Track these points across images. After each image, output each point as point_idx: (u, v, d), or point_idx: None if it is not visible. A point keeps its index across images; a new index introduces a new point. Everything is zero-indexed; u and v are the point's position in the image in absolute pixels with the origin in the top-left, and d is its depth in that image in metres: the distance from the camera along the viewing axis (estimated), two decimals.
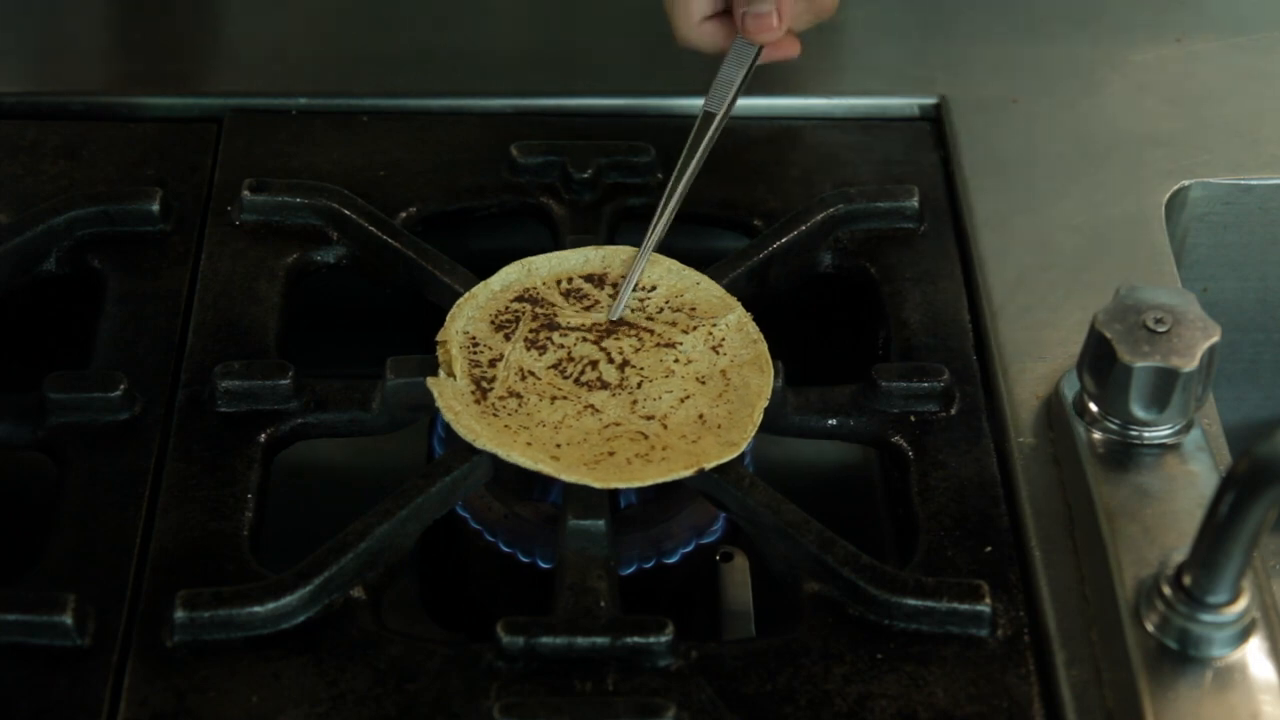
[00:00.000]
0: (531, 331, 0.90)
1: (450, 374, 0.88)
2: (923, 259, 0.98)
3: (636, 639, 0.79)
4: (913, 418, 0.90)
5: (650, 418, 0.87)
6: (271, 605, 0.80)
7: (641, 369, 0.89)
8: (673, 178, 0.94)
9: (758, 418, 0.87)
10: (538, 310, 0.91)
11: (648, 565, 0.90)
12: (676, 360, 0.89)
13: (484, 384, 0.87)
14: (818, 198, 0.99)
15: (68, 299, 0.98)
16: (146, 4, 1.17)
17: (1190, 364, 0.83)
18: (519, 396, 0.87)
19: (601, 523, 0.83)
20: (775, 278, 0.97)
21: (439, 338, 0.89)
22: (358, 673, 0.79)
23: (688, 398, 0.88)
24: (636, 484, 0.84)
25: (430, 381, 0.87)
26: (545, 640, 0.79)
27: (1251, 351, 1.11)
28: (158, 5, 1.17)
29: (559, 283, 0.93)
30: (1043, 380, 0.91)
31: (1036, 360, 0.92)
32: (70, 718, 0.77)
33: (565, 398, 0.87)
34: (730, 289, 0.93)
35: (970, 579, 0.82)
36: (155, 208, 0.98)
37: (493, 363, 0.88)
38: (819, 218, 0.97)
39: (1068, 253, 0.98)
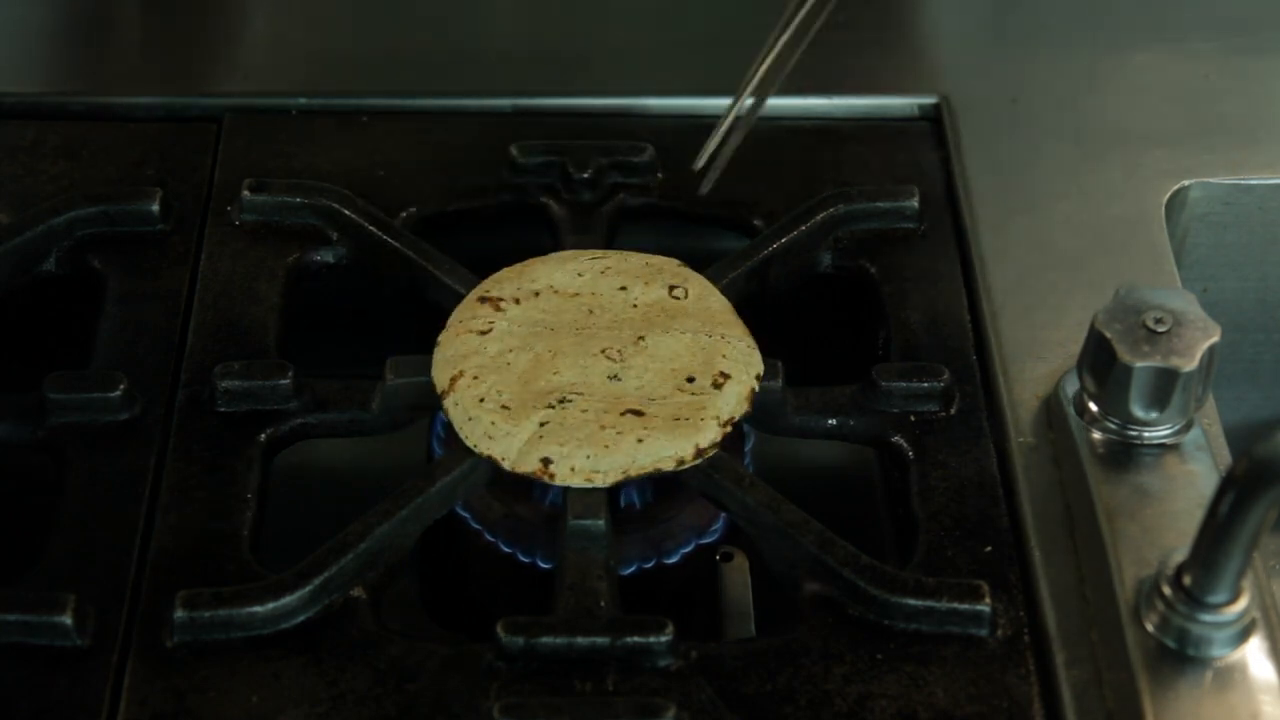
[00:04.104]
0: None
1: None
2: (923, 259, 0.98)
3: (636, 639, 0.79)
4: (913, 418, 0.90)
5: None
6: (271, 605, 0.80)
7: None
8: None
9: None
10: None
11: (648, 565, 0.90)
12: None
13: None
14: (818, 198, 0.99)
15: (68, 299, 0.98)
16: (146, 4, 1.17)
17: (1190, 364, 0.83)
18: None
19: (601, 523, 0.83)
20: (775, 278, 0.97)
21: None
22: (358, 673, 0.79)
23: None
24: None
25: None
26: (545, 640, 0.79)
27: (1251, 351, 1.10)
28: (158, 5, 1.17)
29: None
30: (1043, 380, 0.91)
31: (1036, 360, 0.92)
32: (70, 718, 0.77)
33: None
34: (730, 289, 0.93)
35: (970, 579, 0.82)
36: (155, 208, 0.98)
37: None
38: (819, 218, 0.97)
39: (1068, 253, 0.98)
